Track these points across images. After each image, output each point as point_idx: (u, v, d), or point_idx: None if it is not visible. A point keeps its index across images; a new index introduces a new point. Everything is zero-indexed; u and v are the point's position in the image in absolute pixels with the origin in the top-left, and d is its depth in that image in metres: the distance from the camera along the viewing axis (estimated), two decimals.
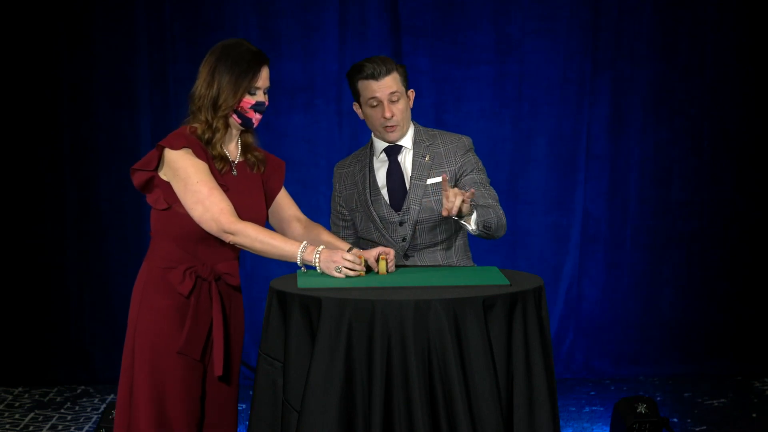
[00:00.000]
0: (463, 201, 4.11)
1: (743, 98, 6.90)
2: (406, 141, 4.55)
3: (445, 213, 4.10)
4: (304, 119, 6.85)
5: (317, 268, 3.99)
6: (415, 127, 4.59)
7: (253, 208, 4.10)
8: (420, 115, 6.95)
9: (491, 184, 4.57)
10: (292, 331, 3.75)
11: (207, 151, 4.01)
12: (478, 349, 3.66)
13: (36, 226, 6.79)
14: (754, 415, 6.23)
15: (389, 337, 3.64)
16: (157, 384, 3.97)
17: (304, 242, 3.99)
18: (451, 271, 4.26)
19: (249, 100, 4.03)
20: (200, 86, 4.02)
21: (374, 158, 4.58)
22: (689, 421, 6.09)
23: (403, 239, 4.48)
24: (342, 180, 4.65)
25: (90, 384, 6.81)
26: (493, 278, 3.99)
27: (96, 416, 6.21)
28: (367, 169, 4.58)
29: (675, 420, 6.10)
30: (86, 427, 6.04)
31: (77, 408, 6.39)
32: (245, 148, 4.13)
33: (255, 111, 4.05)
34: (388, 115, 4.46)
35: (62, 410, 6.35)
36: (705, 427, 5.99)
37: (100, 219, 6.82)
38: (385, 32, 6.80)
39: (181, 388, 3.99)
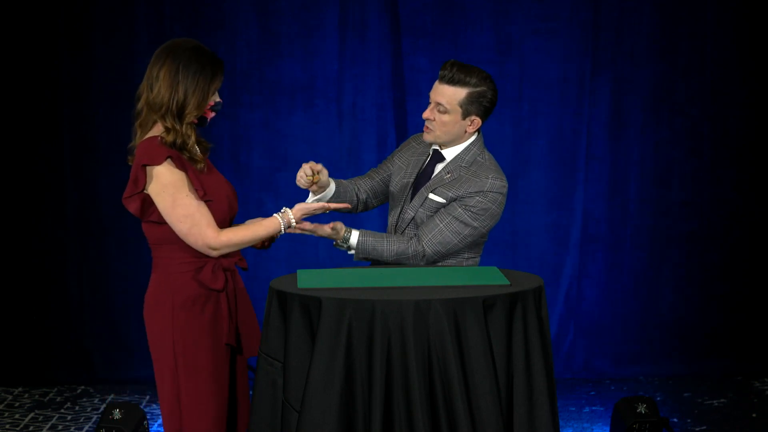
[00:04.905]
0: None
1: (743, 98, 6.89)
2: (449, 153, 4.48)
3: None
4: (304, 119, 6.84)
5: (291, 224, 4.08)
6: (470, 146, 4.47)
7: (227, 190, 4.11)
8: (420, 115, 6.96)
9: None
10: (292, 331, 3.76)
11: (183, 158, 3.99)
12: (478, 349, 3.66)
13: (36, 225, 6.79)
14: (754, 415, 6.23)
15: (389, 337, 3.64)
16: (204, 381, 4.01)
17: (279, 213, 4.06)
18: (451, 271, 4.26)
19: (210, 102, 4.03)
20: (161, 92, 3.97)
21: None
22: (689, 421, 6.09)
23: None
24: (406, 151, 4.62)
25: (90, 384, 6.81)
26: (493, 278, 3.99)
27: (96, 416, 6.20)
28: (425, 158, 4.54)
29: (675, 420, 6.10)
30: (86, 427, 6.04)
31: (77, 408, 6.39)
32: (197, 141, 4.13)
33: (212, 110, 4.06)
34: (425, 115, 4.44)
35: (62, 410, 6.34)
36: (705, 427, 5.99)
37: (100, 219, 6.81)
38: (385, 32, 6.80)
39: (221, 380, 4.04)
